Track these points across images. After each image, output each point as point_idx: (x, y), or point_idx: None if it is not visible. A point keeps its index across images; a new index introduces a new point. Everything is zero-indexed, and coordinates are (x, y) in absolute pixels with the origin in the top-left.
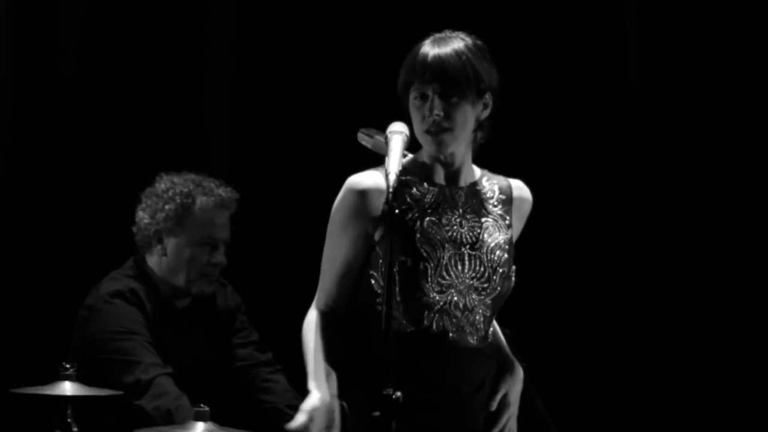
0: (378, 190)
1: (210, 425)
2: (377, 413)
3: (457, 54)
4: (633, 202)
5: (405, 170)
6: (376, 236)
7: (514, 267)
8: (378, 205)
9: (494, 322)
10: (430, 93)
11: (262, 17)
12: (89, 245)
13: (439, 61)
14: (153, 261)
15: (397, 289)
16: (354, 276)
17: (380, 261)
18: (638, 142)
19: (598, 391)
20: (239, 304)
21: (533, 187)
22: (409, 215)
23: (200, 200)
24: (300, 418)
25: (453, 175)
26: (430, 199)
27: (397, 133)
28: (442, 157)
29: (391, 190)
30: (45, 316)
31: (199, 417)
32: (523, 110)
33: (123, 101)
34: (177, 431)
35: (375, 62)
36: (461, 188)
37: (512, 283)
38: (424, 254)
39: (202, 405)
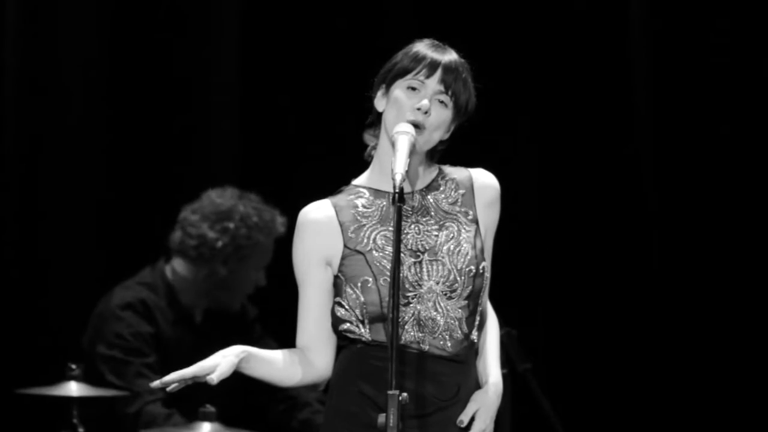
0: (329, 220)
1: (216, 426)
2: (382, 415)
3: (460, 69)
4: (639, 208)
5: (354, 186)
6: (335, 266)
7: (485, 263)
8: (331, 236)
9: (484, 332)
10: (426, 89)
11: (266, 22)
12: (94, 247)
13: (446, 65)
14: (185, 269)
15: (361, 310)
16: (326, 314)
17: (343, 287)
18: (644, 159)
19: (602, 393)
20: (257, 314)
21: (539, 201)
22: (362, 233)
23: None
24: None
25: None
26: (379, 211)
27: (404, 133)
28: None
29: (397, 190)
30: (50, 318)
31: (205, 417)
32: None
33: (131, 114)
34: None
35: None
36: (410, 194)
37: (486, 279)
38: (384, 270)
39: (207, 405)
